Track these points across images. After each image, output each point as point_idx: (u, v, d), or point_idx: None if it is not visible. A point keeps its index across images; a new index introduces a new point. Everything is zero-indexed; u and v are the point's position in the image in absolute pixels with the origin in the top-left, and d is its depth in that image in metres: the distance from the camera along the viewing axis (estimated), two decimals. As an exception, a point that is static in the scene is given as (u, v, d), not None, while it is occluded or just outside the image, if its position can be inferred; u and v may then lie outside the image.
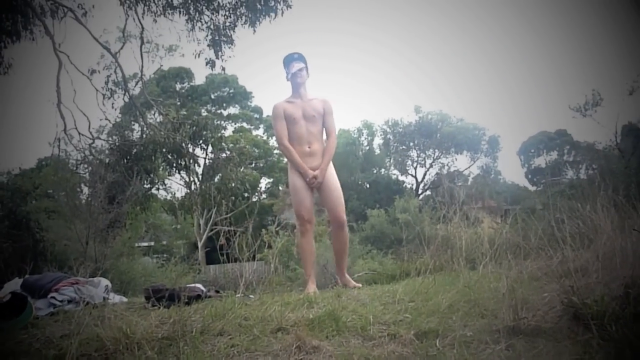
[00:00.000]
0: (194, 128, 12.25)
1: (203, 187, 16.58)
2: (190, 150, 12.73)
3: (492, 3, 60.29)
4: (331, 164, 4.83)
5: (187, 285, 4.09)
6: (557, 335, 2.49)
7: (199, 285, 4.23)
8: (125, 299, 4.47)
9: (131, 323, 2.80)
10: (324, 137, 4.94)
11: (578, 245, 3.21)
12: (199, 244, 23.90)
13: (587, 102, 20.89)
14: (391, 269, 9.30)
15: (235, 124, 32.81)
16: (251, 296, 3.92)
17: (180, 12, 11.45)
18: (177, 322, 2.79)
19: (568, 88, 51.48)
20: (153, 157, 11.73)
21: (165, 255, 17.21)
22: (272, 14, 10.89)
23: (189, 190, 22.64)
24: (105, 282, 4.38)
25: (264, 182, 32.53)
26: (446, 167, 32.45)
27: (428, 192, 31.57)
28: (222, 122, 30.79)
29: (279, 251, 10.03)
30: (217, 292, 4.31)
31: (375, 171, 31.21)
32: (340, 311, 2.99)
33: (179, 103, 27.99)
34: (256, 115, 33.32)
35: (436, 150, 32.28)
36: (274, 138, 32.08)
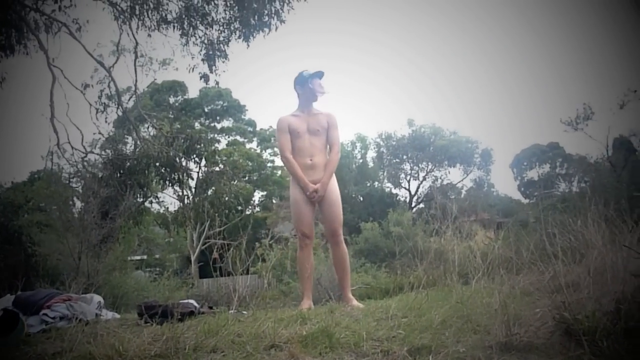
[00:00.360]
0: (188, 142, 12.26)
1: (196, 200, 16.55)
2: (184, 164, 12.72)
3: (486, 12, 60.65)
4: (334, 178, 4.77)
5: (180, 302, 4.08)
6: (549, 351, 2.50)
7: (192, 301, 4.22)
8: (117, 316, 4.45)
9: (124, 340, 2.79)
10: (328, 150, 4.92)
11: (569, 260, 3.23)
12: (192, 258, 23.79)
13: (578, 116, 21.13)
14: (385, 282, 9.34)
15: (228, 137, 32.83)
16: (244, 312, 3.91)
17: (174, 26, 11.50)
18: (170, 339, 2.78)
19: (560, 101, 51.88)
20: (146, 171, 11.72)
21: (158, 269, 17.17)
22: (266, 29, 10.97)
23: (181, 204, 22.57)
24: (97, 298, 4.37)
25: (258, 195, 32.51)
26: (439, 180, 32.58)
27: (421, 205, 31.65)
28: (216, 135, 30.80)
29: (272, 265, 10.03)
30: (211, 308, 4.30)
31: (368, 184, 31.26)
32: (333, 327, 2.99)
33: (172, 116, 27.98)
34: (250, 129, 33.35)
35: (429, 163, 32.39)
36: (268, 151, 32.41)
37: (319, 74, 4.87)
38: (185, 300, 4.27)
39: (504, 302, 2.76)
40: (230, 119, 33.10)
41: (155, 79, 23.02)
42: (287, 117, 4.84)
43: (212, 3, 11.30)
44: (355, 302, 4.51)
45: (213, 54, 11.76)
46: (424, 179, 32.95)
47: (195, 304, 4.10)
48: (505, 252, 3.93)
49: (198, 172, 14.50)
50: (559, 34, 54.83)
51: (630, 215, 3.65)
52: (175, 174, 12.40)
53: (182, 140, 12.27)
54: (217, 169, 14.58)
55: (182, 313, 3.59)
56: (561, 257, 3.12)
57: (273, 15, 10.88)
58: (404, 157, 32.45)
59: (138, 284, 9.01)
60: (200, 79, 12.32)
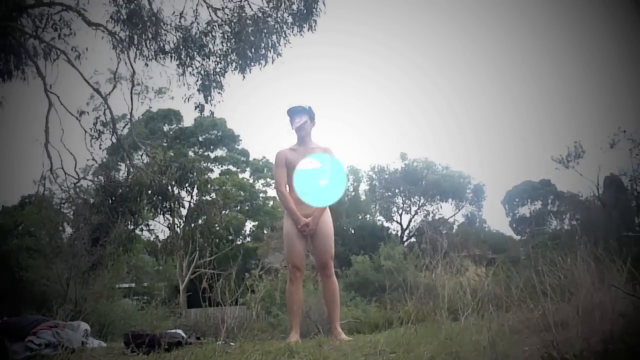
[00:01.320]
0: (181, 171, 12.25)
1: (187, 229, 16.46)
2: (176, 192, 12.70)
3: (470, 33, 61.12)
4: (327, 211, 4.78)
5: (168, 331, 4.05)
6: (537, 390, 2.49)
7: (180, 331, 4.18)
8: (104, 344, 4.40)
9: (110, 370, 2.77)
10: None
11: (559, 298, 3.24)
12: (181, 287, 23.54)
13: (569, 154, 21.36)
14: (374, 317, 9.26)
15: (222, 166, 32.86)
16: (232, 344, 3.88)
17: (171, 57, 11.61)
18: (157, 370, 2.76)
19: (552, 138, 52.34)
20: (138, 199, 11.69)
21: (146, 297, 16.95)
22: (263, 62, 11.10)
23: (171, 233, 22.42)
24: (84, 326, 4.32)
25: (249, 225, 32.36)
26: (431, 215, 32.64)
27: (413, 239, 31.62)
28: (209, 164, 30.84)
29: (262, 296, 9.95)
30: (198, 338, 4.26)
31: (360, 217, 31.27)
32: (321, 361, 2.97)
33: (166, 144, 28.01)
34: (243, 158, 33.42)
35: (421, 198, 32.54)
36: (260, 181, 32.38)
37: (292, 110, 4.88)
38: (173, 330, 4.23)
39: (492, 340, 2.75)
40: (224, 148, 33.16)
41: (150, 107, 23.14)
42: (285, 151, 4.87)
43: (210, 35, 11.45)
44: (343, 336, 4.48)
45: (209, 84, 11.85)
46: (416, 213, 33.10)
47: (183, 334, 4.06)
48: (495, 288, 3.94)
49: (190, 201, 14.47)
50: (550, 65, 55.40)
51: (619, 254, 3.67)
52: (167, 202, 12.37)
53: (175, 169, 12.27)
54: (209, 198, 14.56)
55: (170, 343, 3.56)
56: (550, 295, 3.12)
57: (270, 48, 11.04)
58: (396, 190, 32.61)
59: (125, 312, 8.90)
60: (195, 109, 12.39)
